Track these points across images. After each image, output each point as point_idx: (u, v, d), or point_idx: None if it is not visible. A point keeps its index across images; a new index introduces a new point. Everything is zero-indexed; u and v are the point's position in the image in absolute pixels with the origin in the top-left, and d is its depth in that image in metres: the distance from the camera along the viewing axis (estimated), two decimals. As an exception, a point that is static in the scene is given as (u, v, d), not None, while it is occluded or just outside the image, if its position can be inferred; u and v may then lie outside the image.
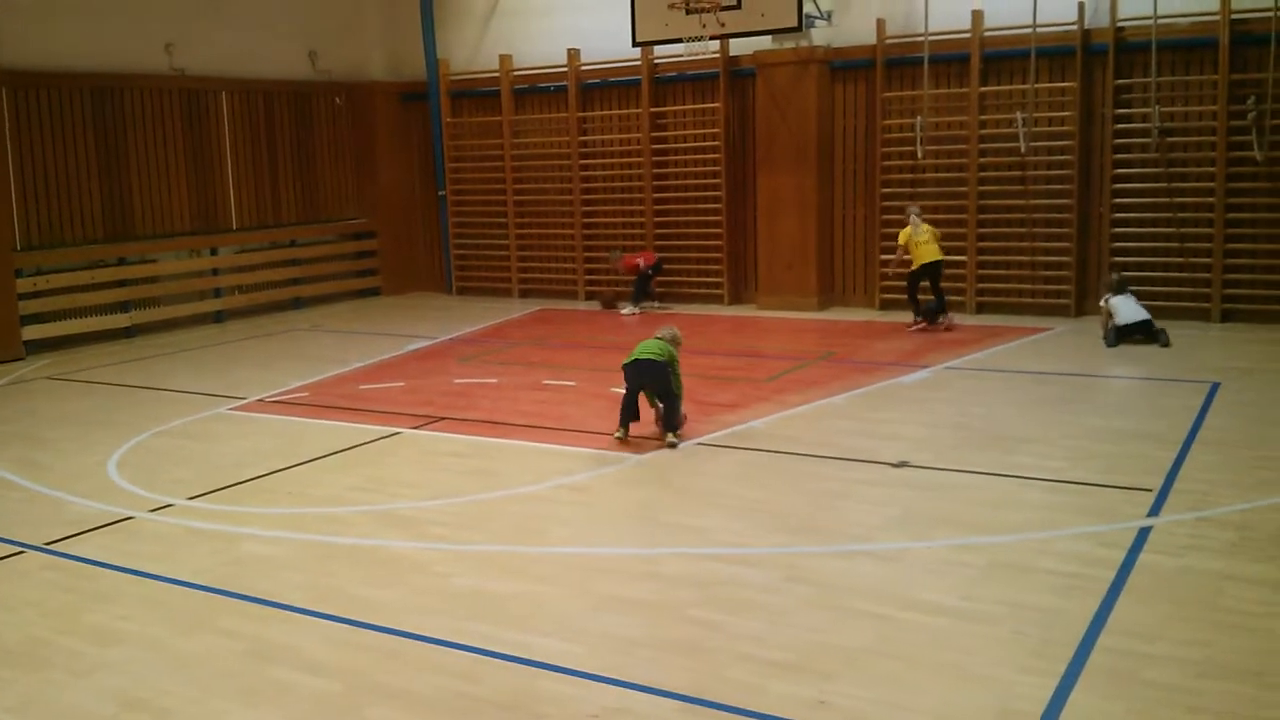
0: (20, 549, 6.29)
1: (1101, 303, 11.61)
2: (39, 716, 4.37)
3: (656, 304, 15.15)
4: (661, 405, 8.09)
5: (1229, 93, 12.14)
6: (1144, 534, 5.89)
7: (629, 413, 8.11)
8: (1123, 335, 11.20)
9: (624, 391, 8.17)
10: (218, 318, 15.18)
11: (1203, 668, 4.39)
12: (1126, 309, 11.23)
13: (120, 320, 14.04)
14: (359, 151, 17.43)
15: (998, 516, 6.27)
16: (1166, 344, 10.96)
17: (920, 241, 12.34)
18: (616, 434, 8.09)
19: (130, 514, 6.86)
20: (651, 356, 8.03)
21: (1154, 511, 6.25)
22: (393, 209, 17.58)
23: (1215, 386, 9.24)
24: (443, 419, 9.09)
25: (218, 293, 15.29)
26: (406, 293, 17.56)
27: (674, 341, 8.28)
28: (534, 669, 4.59)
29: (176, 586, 5.67)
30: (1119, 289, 11.49)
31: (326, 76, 16.81)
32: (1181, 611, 4.92)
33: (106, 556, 6.12)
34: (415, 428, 8.83)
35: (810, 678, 4.42)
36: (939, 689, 4.32)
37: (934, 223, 13.89)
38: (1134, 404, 8.82)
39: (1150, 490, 6.60)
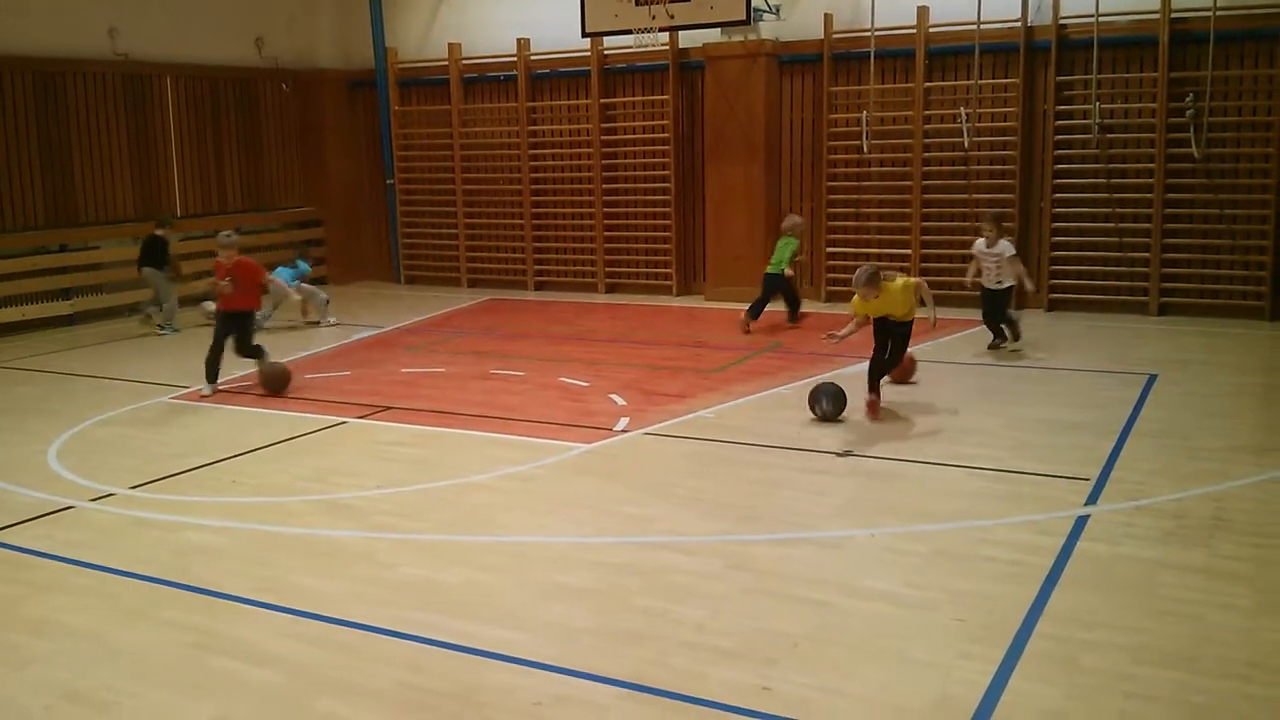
0: (-43, 539, 6.21)
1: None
2: (-24, 708, 4.32)
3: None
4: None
5: (1168, 90, 12.36)
6: (1082, 522, 6.00)
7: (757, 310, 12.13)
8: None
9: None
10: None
11: (1138, 654, 4.49)
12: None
13: (62, 307, 13.84)
14: (306, 139, 17.28)
15: (939, 505, 6.36)
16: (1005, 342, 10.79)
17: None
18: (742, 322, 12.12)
19: (71, 503, 6.78)
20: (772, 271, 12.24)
21: (1092, 500, 6.37)
22: (340, 198, 17.45)
23: (1152, 378, 9.41)
24: (389, 408, 9.06)
25: (161, 281, 15.08)
26: (354, 282, 17.43)
27: (793, 230, 12.51)
28: (479, 658, 4.61)
29: (118, 577, 5.61)
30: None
31: (273, 63, 16.64)
32: (1118, 599, 5.02)
33: (46, 546, 6.05)
34: (361, 417, 8.79)
35: (752, 664, 4.47)
36: (879, 675, 4.38)
37: (880, 216, 14.08)
38: (1073, 395, 8.96)
39: (1088, 480, 6.72)
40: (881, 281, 8.26)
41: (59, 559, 5.87)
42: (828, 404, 8.22)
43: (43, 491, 7.02)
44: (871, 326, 8.52)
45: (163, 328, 13.22)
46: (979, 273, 10.78)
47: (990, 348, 10.77)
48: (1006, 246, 10.58)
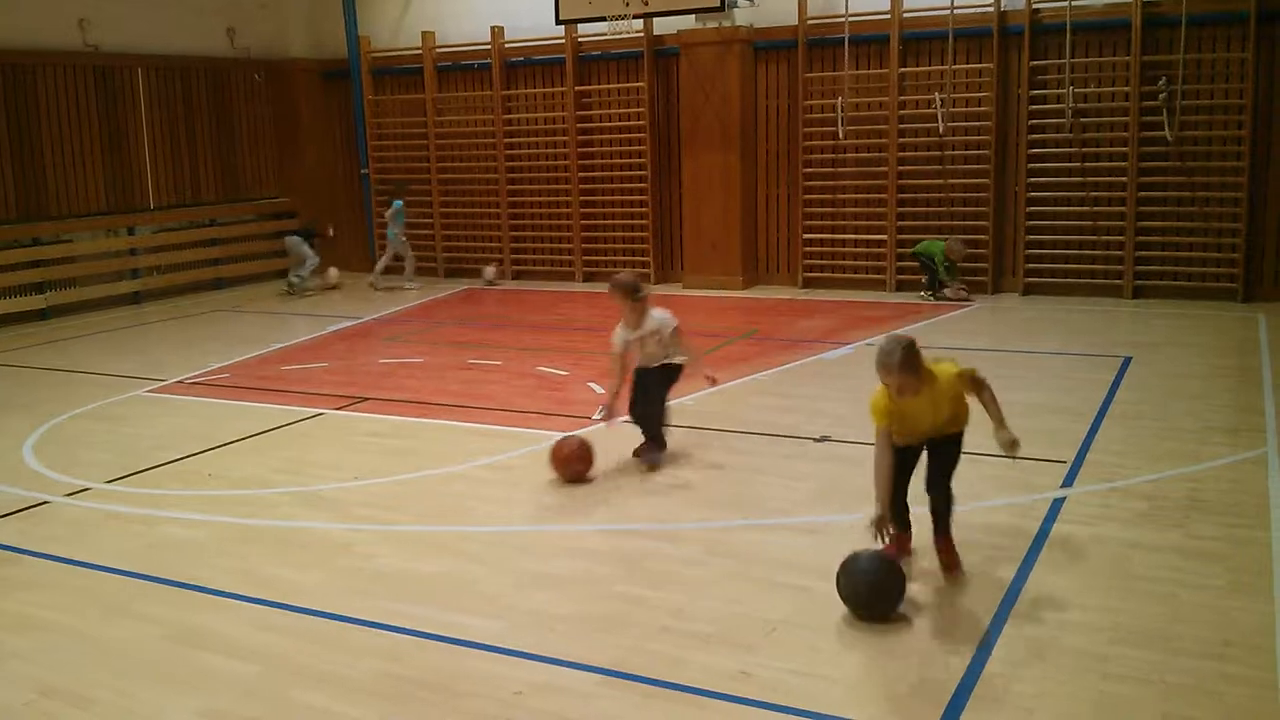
0: (-69, 536, 6.16)
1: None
2: (-48, 705, 4.29)
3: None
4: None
5: (1141, 74, 12.41)
6: (1058, 505, 6.04)
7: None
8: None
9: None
10: (136, 299, 14.90)
11: (1114, 634, 4.52)
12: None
13: (35, 301, 13.73)
14: (280, 130, 17.17)
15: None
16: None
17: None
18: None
19: (46, 498, 6.74)
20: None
21: (1068, 483, 6.41)
22: (315, 188, 17.36)
23: (1127, 361, 9.47)
24: (367, 399, 9.03)
25: (135, 273, 15.02)
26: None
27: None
28: (459, 647, 4.61)
29: (94, 571, 5.58)
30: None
31: (245, 53, 16.53)
32: (1094, 580, 5.06)
33: (21, 542, 6.01)
34: (339, 408, 8.77)
35: (731, 649, 4.49)
36: (857, 659, 4.41)
37: (856, 202, 14.11)
38: (1048, 378, 9.01)
39: (1064, 462, 6.76)
40: (923, 366, 5.02)
41: (35, 554, 5.83)
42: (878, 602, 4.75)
43: (18, 487, 6.97)
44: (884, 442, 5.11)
45: (295, 286, 15.36)
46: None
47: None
48: (664, 319, 6.98)
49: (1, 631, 4.93)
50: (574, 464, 6.74)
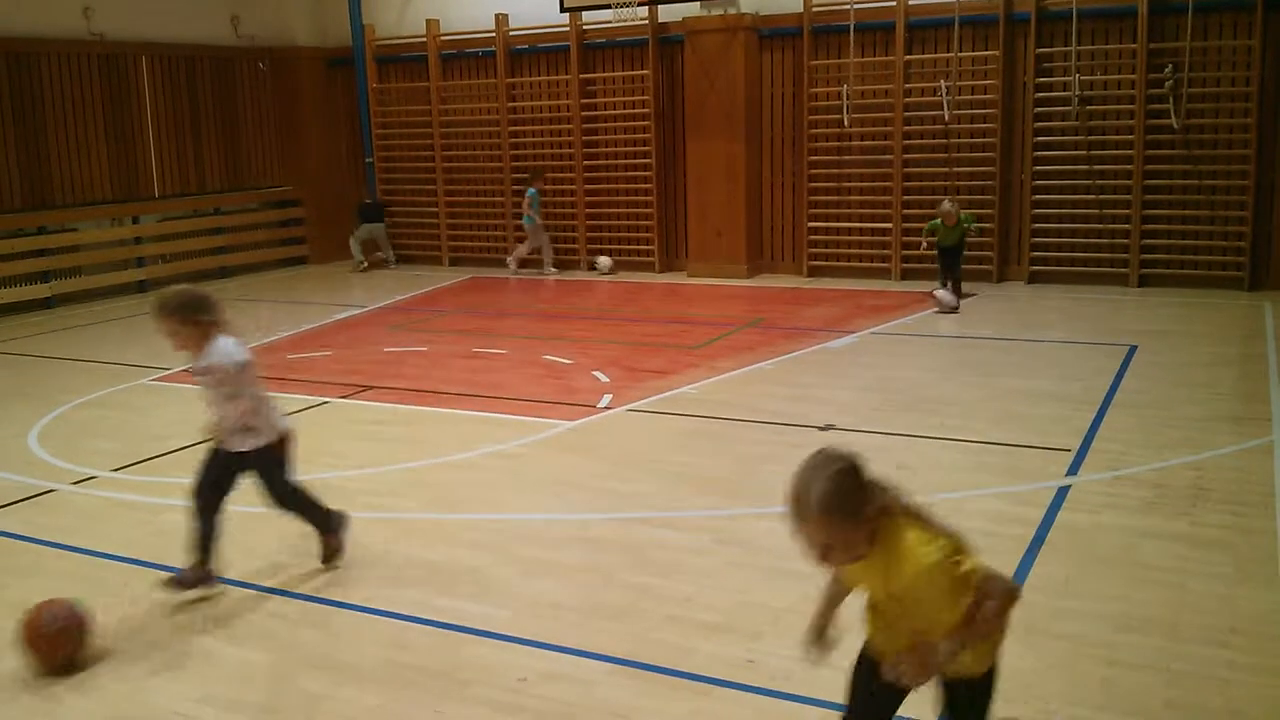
0: (-62, 524, 6.17)
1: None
2: (-40, 692, 4.30)
3: None
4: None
5: (1147, 62, 12.37)
6: (1063, 493, 6.04)
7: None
8: None
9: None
10: (141, 287, 14.91)
11: (1119, 621, 4.52)
12: None
13: (40, 290, 13.75)
14: (284, 118, 17.16)
15: (919, 477, 6.37)
16: None
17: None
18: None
19: (52, 486, 6.75)
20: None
21: (1072, 471, 6.40)
22: (319, 177, 17.35)
23: (1132, 349, 9.46)
24: (371, 388, 9.03)
25: (140, 262, 15.03)
26: (334, 261, 17.36)
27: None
28: (464, 635, 4.61)
29: (101, 559, 5.60)
30: None
31: (250, 41, 16.51)
32: (1099, 568, 5.06)
33: (28, 530, 6.02)
34: (343, 397, 8.77)
35: (738, 638, 4.49)
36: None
37: (861, 190, 14.10)
38: (1053, 367, 9.00)
39: (1069, 450, 6.76)
40: (864, 515, 2.89)
41: (41, 542, 5.85)
42: None
43: (24, 475, 6.98)
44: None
45: (389, 262, 16.70)
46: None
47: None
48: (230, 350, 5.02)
49: (7, 620, 4.94)
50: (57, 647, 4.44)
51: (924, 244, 12.26)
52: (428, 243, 16.95)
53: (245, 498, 6.23)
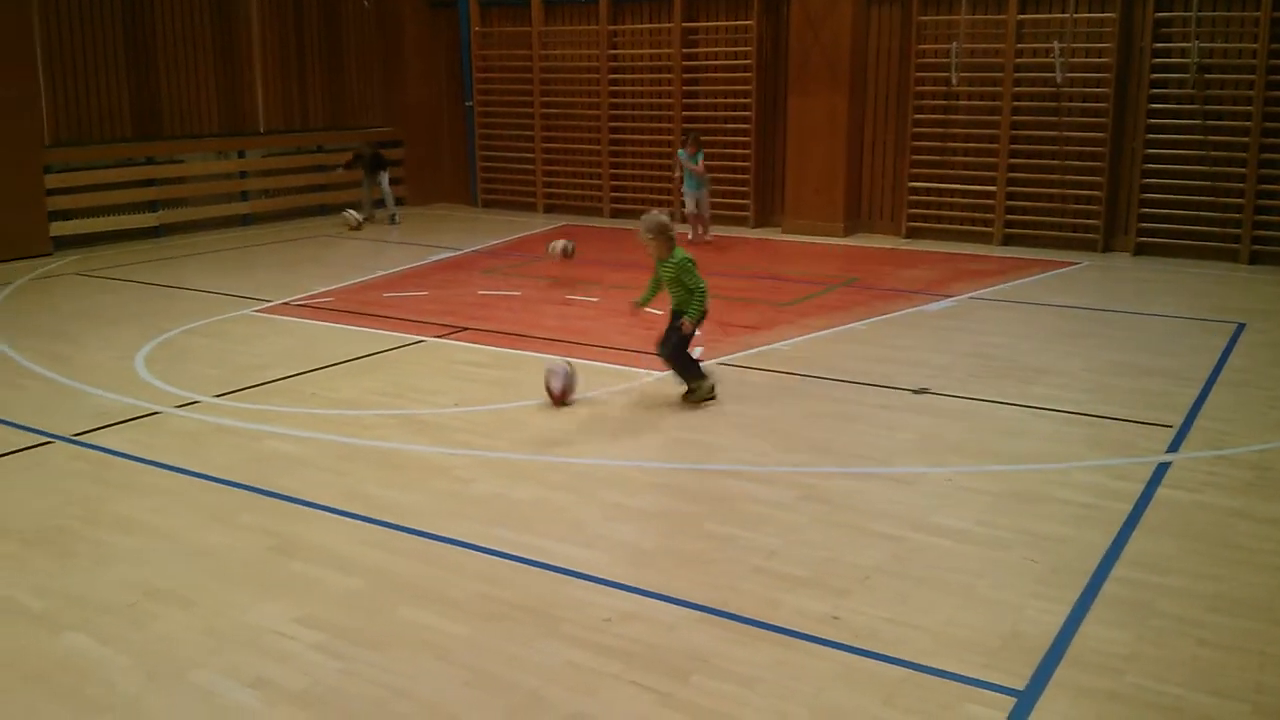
0: (48, 439, 6.40)
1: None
2: (62, 602, 4.46)
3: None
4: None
5: (1270, 30, 11.90)
6: (1162, 469, 5.91)
7: None
8: None
9: None
10: (245, 220, 15.20)
11: (1213, 601, 4.44)
12: None
13: (148, 219, 14.08)
14: (386, 58, 17.30)
15: (1014, 446, 6.30)
16: None
17: None
18: None
19: (157, 409, 6.96)
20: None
21: (1173, 448, 6.27)
22: (419, 119, 17.47)
23: (1240, 327, 9.20)
24: (466, 329, 9.14)
25: (245, 196, 15.31)
26: (431, 203, 17.53)
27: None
28: (552, 573, 4.67)
29: (201, 480, 5.76)
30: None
31: (356, -21, 16.64)
32: (1195, 546, 4.96)
33: (132, 449, 6.22)
34: (439, 336, 8.88)
35: (823, 593, 4.49)
36: (949, 609, 4.38)
37: (966, 151, 13.82)
38: (1157, 341, 8.79)
39: (1170, 426, 6.61)
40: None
41: (144, 461, 6.04)
42: None
43: (130, 396, 7.20)
44: None
45: (394, 220, 15.51)
46: None
47: None
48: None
49: (111, 534, 5.12)
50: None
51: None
52: (523, 189, 17.01)
53: (348, 429, 6.38)
